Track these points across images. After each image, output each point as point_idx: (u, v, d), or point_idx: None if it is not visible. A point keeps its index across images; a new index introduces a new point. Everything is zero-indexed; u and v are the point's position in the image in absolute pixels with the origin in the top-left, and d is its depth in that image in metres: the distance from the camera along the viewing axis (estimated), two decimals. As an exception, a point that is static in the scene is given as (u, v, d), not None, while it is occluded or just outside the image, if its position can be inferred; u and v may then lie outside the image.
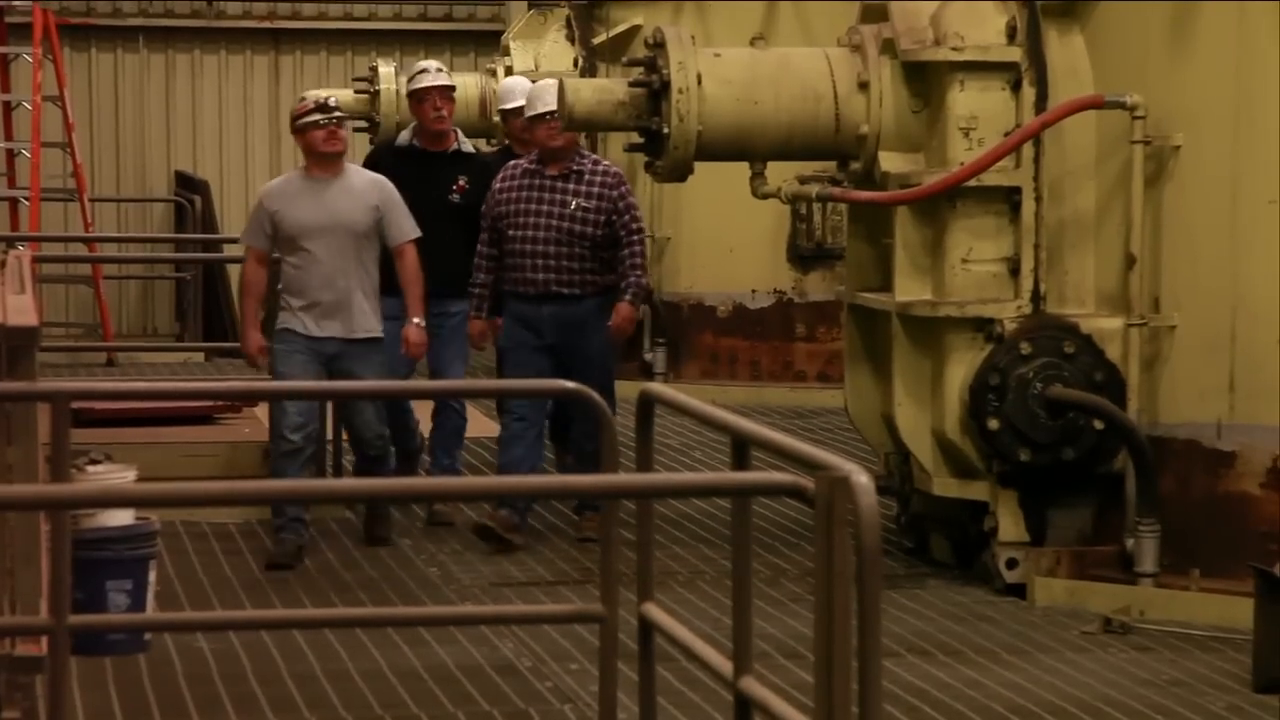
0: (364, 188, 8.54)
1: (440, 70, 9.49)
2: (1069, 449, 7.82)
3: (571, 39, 13.99)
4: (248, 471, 8.94)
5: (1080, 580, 7.77)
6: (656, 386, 5.03)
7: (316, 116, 8.44)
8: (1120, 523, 7.79)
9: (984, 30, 8.10)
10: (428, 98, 9.36)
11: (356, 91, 15.12)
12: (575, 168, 8.76)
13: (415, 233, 8.52)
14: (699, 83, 8.32)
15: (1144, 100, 7.71)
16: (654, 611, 4.71)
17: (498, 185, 8.83)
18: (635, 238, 8.77)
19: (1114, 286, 7.92)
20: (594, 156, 8.98)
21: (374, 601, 7.80)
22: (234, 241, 16.77)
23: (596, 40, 13.43)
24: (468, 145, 9.59)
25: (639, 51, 8.86)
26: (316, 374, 8.36)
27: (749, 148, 8.53)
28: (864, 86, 8.33)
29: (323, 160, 8.47)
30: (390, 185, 8.58)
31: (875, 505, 3.74)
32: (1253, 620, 6.78)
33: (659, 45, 8.44)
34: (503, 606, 7.54)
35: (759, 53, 8.60)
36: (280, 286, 8.67)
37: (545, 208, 8.73)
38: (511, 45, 14.80)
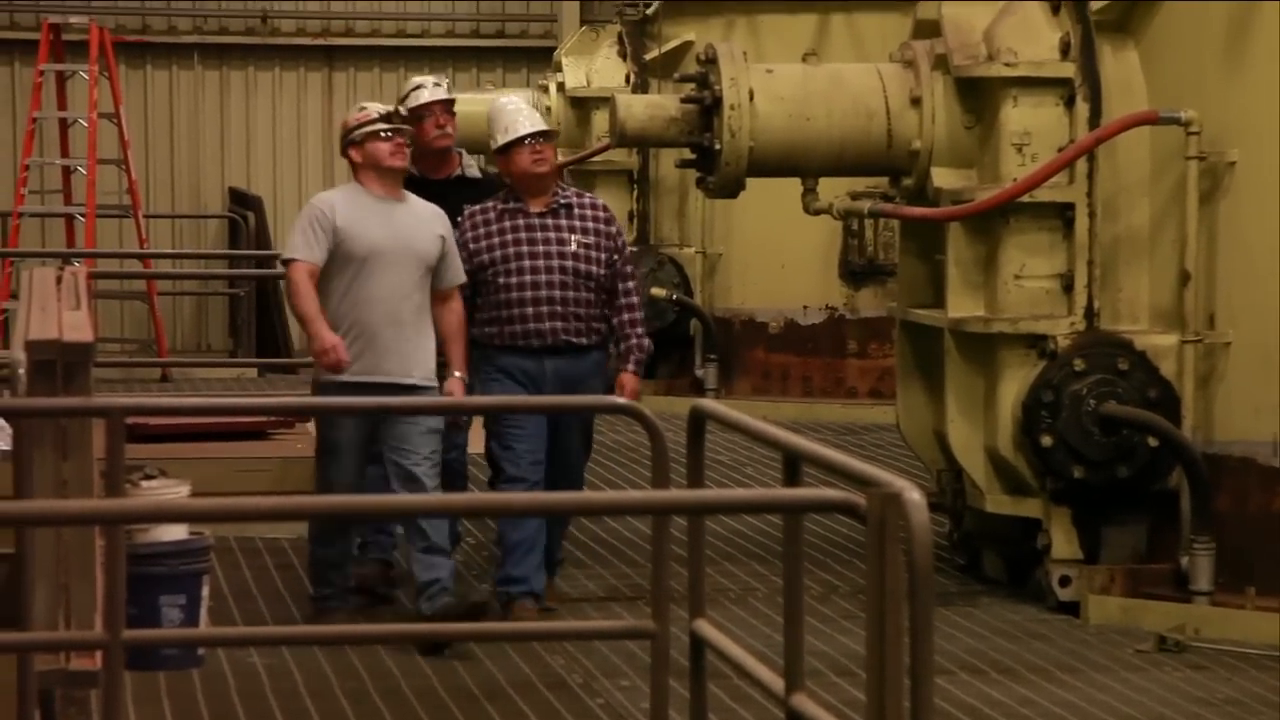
0: (429, 215, 7.60)
1: (439, 84, 8.29)
2: (1123, 466, 7.78)
3: (623, 55, 14.03)
4: (301, 486, 8.97)
5: (1134, 598, 7.73)
6: (708, 403, 5.03)
7: (380, 126, 7.49)
8: (1175, 541, 7.75)
9: (1037, 46, 8.07)
10: (429, 114, 8.14)
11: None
12: (563, 201, 7.74)
13: (464, 278, 7.64)
14: (751, 99, 8.33)
15: (1199, 116, 7.67)
16: (705, 628, 4.70)
17: (470, 234, 7.70)
18: (631, 285, 7.78)
19: (1168, 303, 7.88)
20: (574, 188, 7.99)
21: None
22: (287, 257, 16.92)
23: (648, 56, 13.46)
24: (474, 169, 8.44)
25: (691, 67, 8.87)
26: (366, 438, 7.45)
27: (801, 163, 8.52)
28: (916, 102, 8.32)
29: (388, 177, 7.51)
30: (446, 218, 7.65)
31: (927, 522, 3.73)
32: (1309, 639, 6.73)
33: (711, 61, 8.44)
34: (554, 623, 7.54)
35: (811, 68, 8.60)
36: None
37: (542, 248, 7.67)
38: (564, 62, 14.84)
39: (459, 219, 7.78)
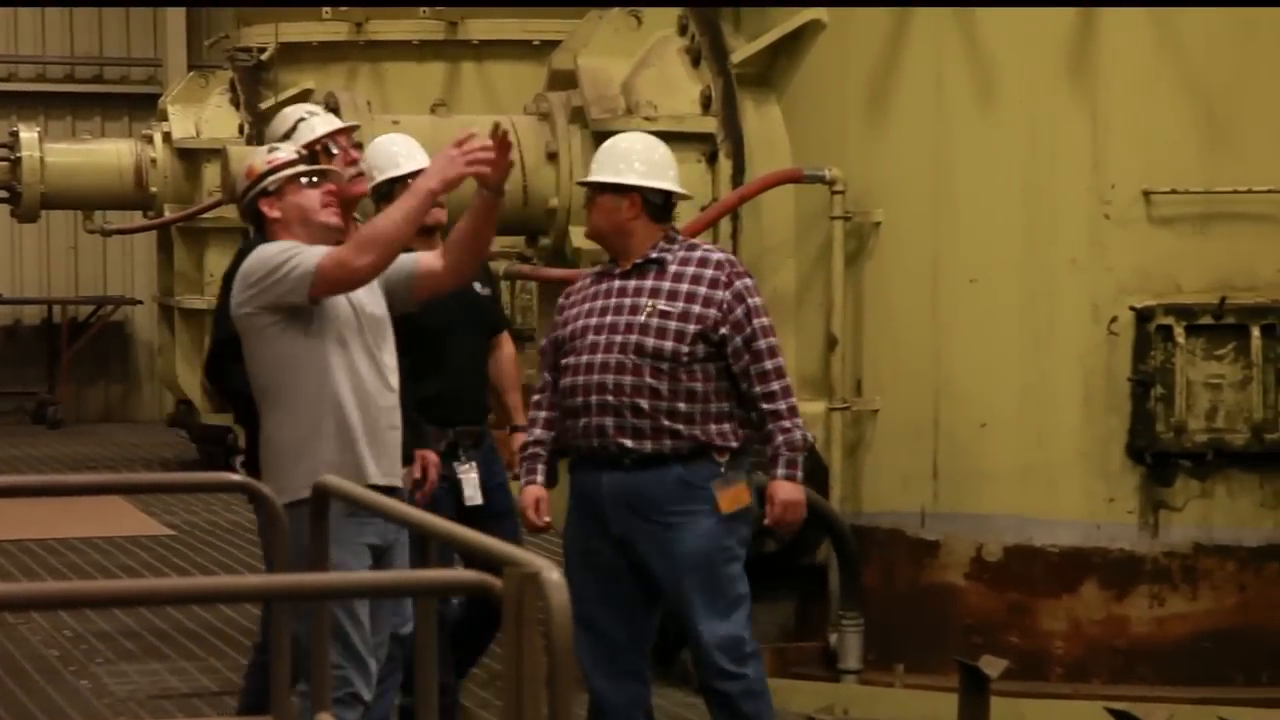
0: None
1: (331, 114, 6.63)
2: (770, 540, 7.94)
3: (236, 103, 13.91)
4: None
5: (782, 678, 7.89)
6: (331, 478, 5.00)
7: (302, 169, 5.92)
8: (823, 617, 7.95)
9: (677, 99, 8.26)
10: (332, 150, 6.26)
11: (-5, 159, 14.81)
12: (654, 255, 6.26)
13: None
14: (376, 152, 8.33)
15: (843, 174, 7.92)
16: (330, 722, 4.67)
17: (562, 299, 6.42)
18: (769, 365, 6.14)
19: (815, 369, 8.11)
20: (692, 240, 6.51)
21: (17, 720, 7.60)
22: None
23: (264, 105, 13.37)
24: None
25: (311, 118, 8.83)
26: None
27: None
28: (553, 157, 8.43)
29: (319, 236, 5.88)
30: None
31: (568, 602, 3.77)
32: (957, 716, 6.97)
33: (333, 111, 8.43)
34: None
35: (440, 120, 8.68)
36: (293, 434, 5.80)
37: (610, 319, 6.21)
38: (170, 110, 14.65)
39: None
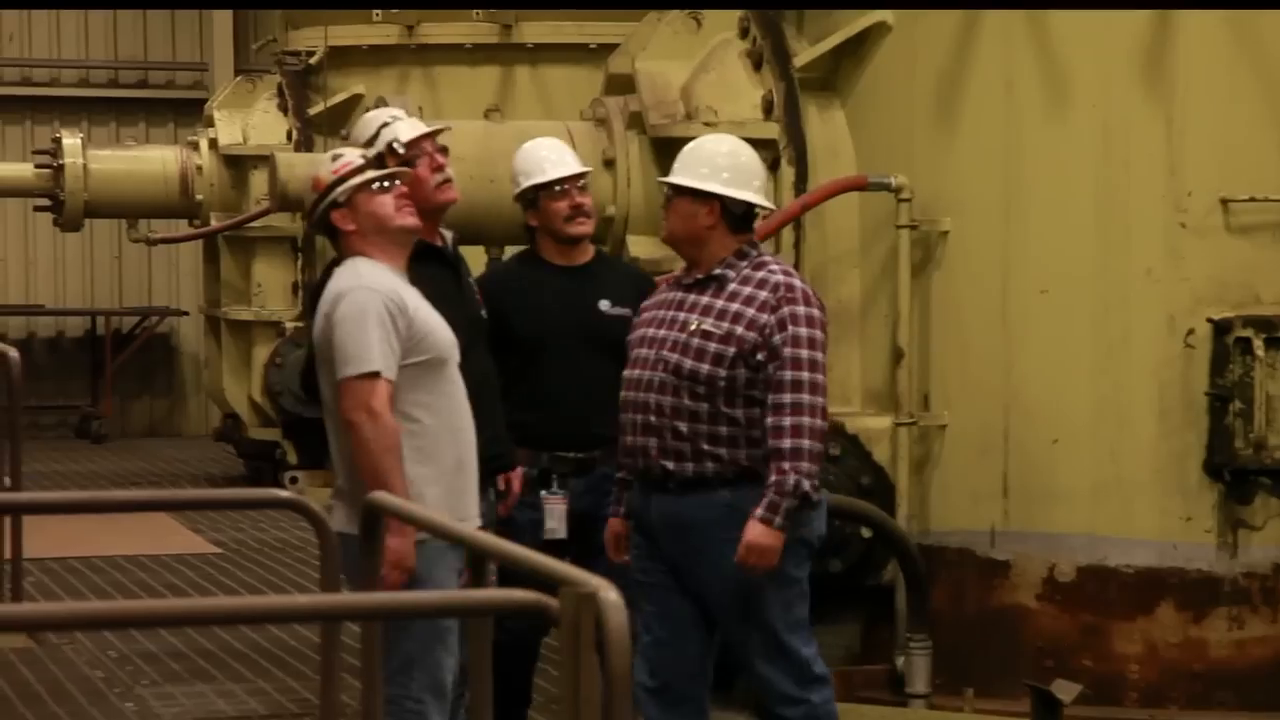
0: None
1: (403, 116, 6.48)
2: (835, 560, 7.96)
3: (284, 109, 14.00)
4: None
5: (848, 702, 7.89)
6: (384, 495, 5.05)
7: (372, 175, 5.86)
8: (890, 639, 7.95)
9: (739, 104, 8.28)
10: (419, 155, 6.23)
11: (37, 166, 14.94)
12: (718, 271, 6.19)
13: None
14: (428, 159, 8.38)
15: (909, 182, 7.92)
16: (382, 746, 4.70)
17: (644, 304, 6.45)
18: (787, 398, 6.00)
19: (881, 383, 8.11)
20: (764, 257, 6.28)
21: (61, 742, 7.66)
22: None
23: (313, 110, 13.45)
24: (450, 235, 6.56)
25: (361, 124, 8.89)
26: None
27: (484, 229, 8.59)
28: (610, 164, 8.46)
29: (397, 243, 5.86)
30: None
31: (625, 624, 3.80)
32: (1031, 742, 6.97)
33: (383, 118, 8.48)
34: (209, 745, 7.45)
35: (495, 125, 8.71)
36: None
37: (661, 333, 6.19)
38: (216, 115, 14.75)
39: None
